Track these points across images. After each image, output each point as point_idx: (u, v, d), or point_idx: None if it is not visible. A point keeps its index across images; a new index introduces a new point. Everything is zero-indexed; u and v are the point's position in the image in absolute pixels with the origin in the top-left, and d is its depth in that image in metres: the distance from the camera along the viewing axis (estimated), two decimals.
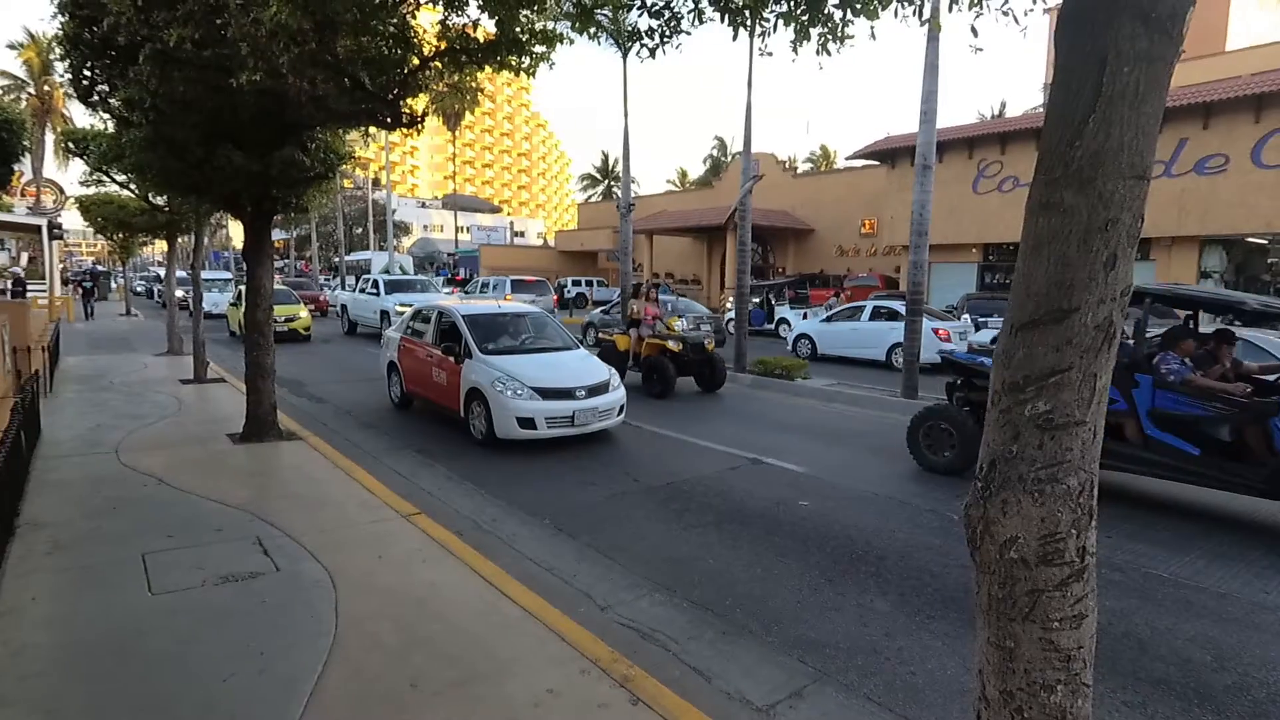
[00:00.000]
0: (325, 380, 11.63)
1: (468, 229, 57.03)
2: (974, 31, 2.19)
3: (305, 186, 7.08)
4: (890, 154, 26.70)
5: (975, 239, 25.11)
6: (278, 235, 55.70)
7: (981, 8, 2.29)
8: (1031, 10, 2.32)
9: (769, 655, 3.48)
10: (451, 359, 7.83)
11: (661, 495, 5.89)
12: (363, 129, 7.13)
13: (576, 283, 36.24)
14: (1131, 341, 5.78)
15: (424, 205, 68.56)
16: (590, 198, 60.85)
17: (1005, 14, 2.14)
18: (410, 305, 12.24)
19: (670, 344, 10.57)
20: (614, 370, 8.05)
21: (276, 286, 18.90)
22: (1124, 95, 1.32)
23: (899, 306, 14.02)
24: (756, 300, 22.27)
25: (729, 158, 49.19)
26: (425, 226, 62.35)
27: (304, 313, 17.55)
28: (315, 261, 41.29)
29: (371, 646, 3.29)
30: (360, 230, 48.16)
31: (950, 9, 2.40)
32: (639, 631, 3.63)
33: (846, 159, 38.56)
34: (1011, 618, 1.47)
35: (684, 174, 62.76)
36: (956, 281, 24.41)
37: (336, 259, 38.16)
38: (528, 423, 7.01)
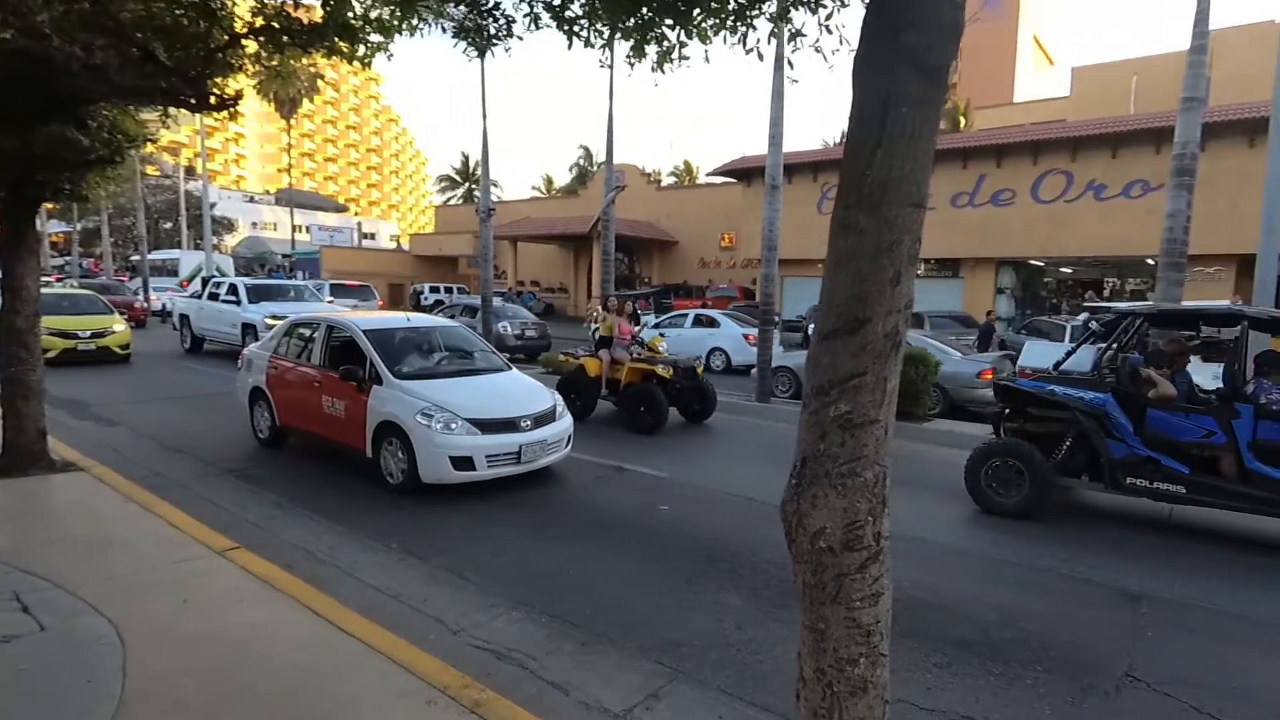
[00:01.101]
0: (123, 401, 10.31)
1: (307, 228, 53.11)
2: (790, 64, 2.44)
3: (83, 171, 6.05)
4: (746, 173, 28.38)
5: (821, 255, 27.07)
6: (58, 228, 48.45)
7: (796, 43, 2.57)
8: (839, 50, 2.62)
9: (628, 660, 3.56)
10: (352, 385, 6.45)
11: (524, 510, 5.82)
12: (161, 109, 6.33)
13: (435, 289, 34.85)
14: (1233, 369, 5.63)
15: (253, 200, 62.94)
16: (449, 200, 58.97)
17: (817, 50, 2.41)
18: (284, 316, 10.07)
19: (660, 369, 9.13)
20: (557, 394, 7.21)
21: (77, 290, 16.19)
22: (903, 132, 1.54)
23: (718, 315, 16.71)
24: None
25: (595, 167, 49.86)
26: (255, 224, 57.36)
27: (120, 325, 14.03)
28: (108, 260, 36.48)
29: (170, 709, 2.91)
30: (170, 225, 43.05)
31: (768, 42, 2.65)
32: (495, 652, 3.58)
33: (707, 175, 40.30)
34: (822, 601, 1.65)
35: (550, 181, 62.65)
36: (807, 294, 26.29)
37: (136, 257, 33.45)
38: (464, 463, 5.89)
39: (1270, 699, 3.37)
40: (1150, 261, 12.14)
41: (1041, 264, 25.22)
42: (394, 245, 62.37)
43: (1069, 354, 6.59)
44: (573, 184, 54.15)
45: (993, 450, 6.22)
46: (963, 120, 41.90)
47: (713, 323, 16.43)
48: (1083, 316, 14.92)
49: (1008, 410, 6.66)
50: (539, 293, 39.87)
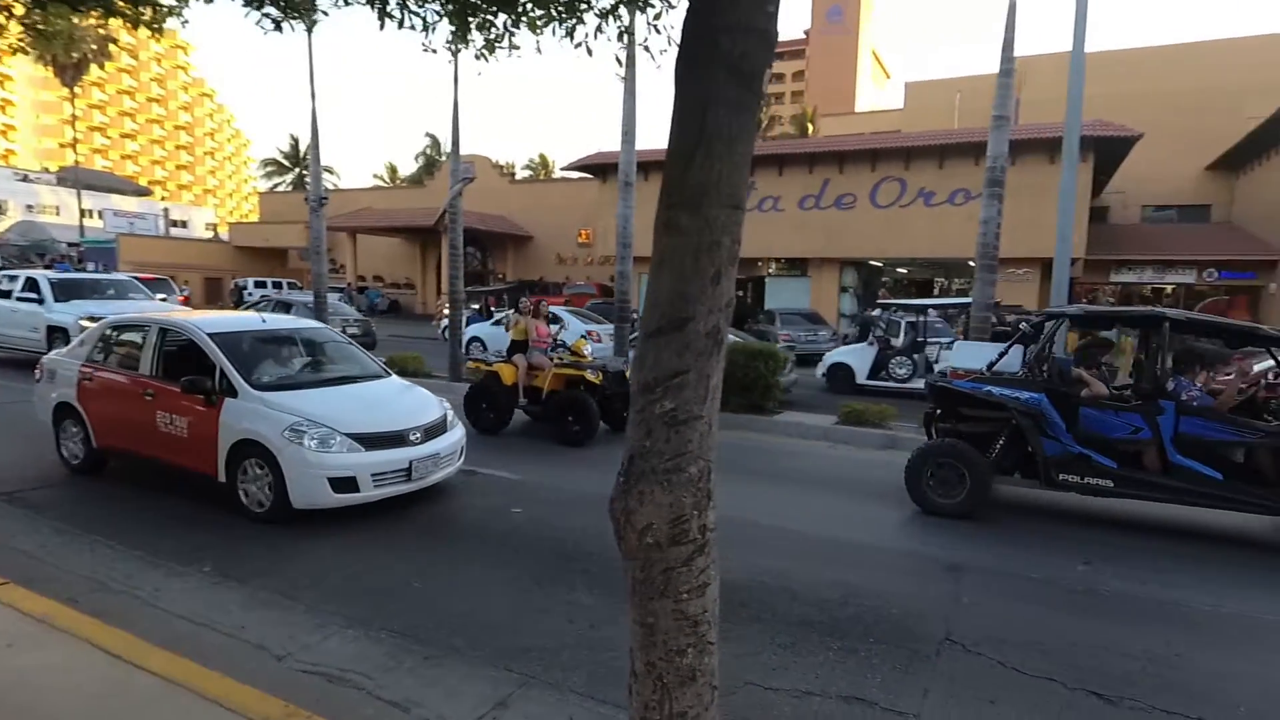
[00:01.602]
0: None
1: (99, 213, 46.92)
2: (618, 61, 2.52)
3: None
4: (602, 168, 28.64)
5: None
6: None
7: (623, 40, 2.66)
8: (666, 50, 2.75)
9: (475, 671, 3.50)
10: (198, 398, 5.64)
11: (361, 520, 5.52)
12: None
13: (261, 284, 32.01)
14: (1156, 368, 6.03)
15: (27, 179, 54.61)
16: (277, 186, 54.50)
17: (646, 50, 2.51)
18: (101, 318, 8.30)
19: (589, 374, 8.56)
20: (445, 403, 6.60)
21: None
22: (720, 135, 1.63)
23: (561, 311, 16.17)
24: (476, 306, 22.53)
25: (443, 156, 48.17)
26: (31, 206, 49.94)
27: None
28: None
29: None
30: None
31: (595, 37, 2.73)
32: (326, 675, 3.38)
33: (562, 169, 40.21)
34: (650, 596, 1.72)
35: (394, 170, 59.77)
36: None
37: None
38: (345, 484, 5.32)
39: (1063, 651, 3.88)
40: (971, 263, 13.78)
41: (880, 264, 27.65)
42: (211, 235, 56.72)
43: (1001, 355, 6.95)
44: (419, 174, 52.12)
45: (934, 452, 6.37)
46: (810, 127, 44.98)
47: (554, 319, 16.48)
48: (876, 312, 16.49)
49: (939, 410, 6.89)
50: (383, 289, 37.97)
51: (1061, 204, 9.47)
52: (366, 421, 5.66)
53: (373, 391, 6.37)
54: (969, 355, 8.78)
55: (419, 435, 5.83)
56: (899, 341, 14.14)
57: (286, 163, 55.60)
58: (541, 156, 60.96)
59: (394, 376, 6.91)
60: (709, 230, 1.64)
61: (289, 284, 32.95)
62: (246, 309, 18.85)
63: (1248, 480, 5.72)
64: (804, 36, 64.89)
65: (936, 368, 13.11)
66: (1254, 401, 6.29)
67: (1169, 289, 27.31)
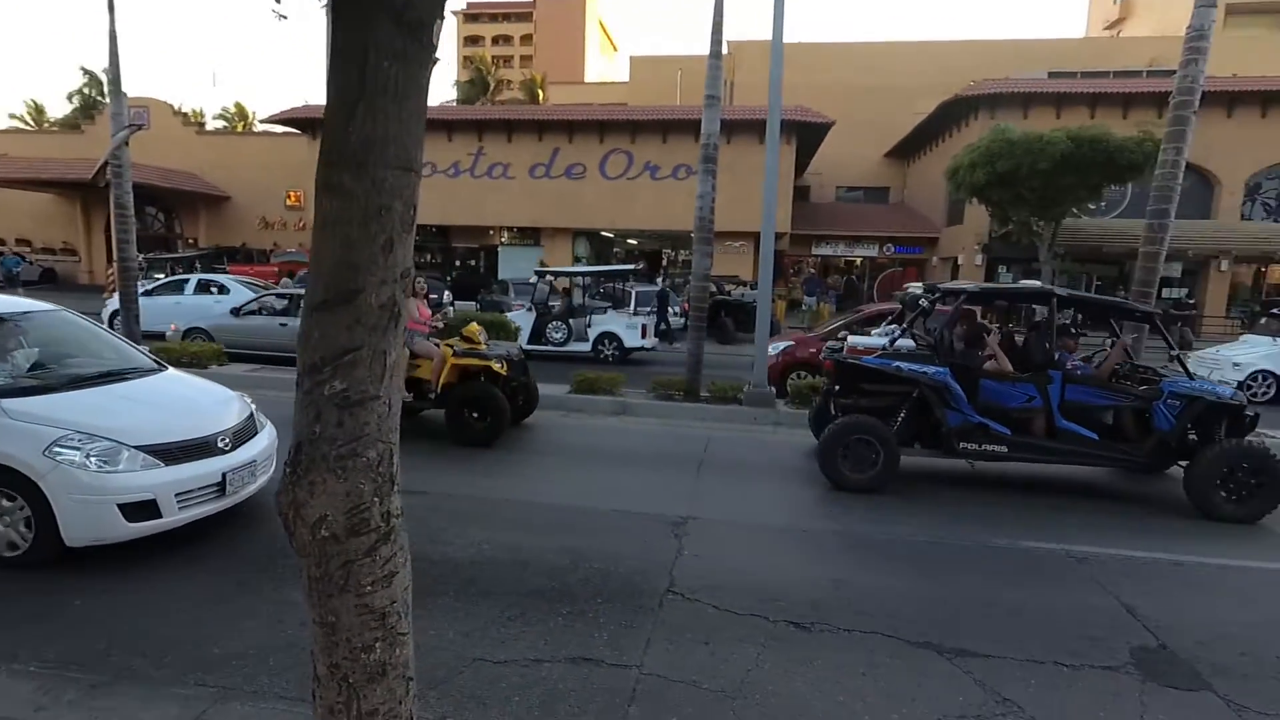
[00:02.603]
0: None
1: None
2: None
3: None
4: (311, 123, 26.04)
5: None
6: None
7: None
8: None
9: (159, 691, 3.10)
10: None
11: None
12: None
13: None
14: (1045, 341, 6.73)
15: None
16: None
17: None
18: None
19: (495, 364, 7.70)
20: (248, 399, 5.61)
21: None
22: (386, 89, 1.55)
23: (228, 281, 15.95)
24: (161, 277, 19.38)
25: (106, 97, 39.93)
26: None
27: None
28: None
29: None
30: None
31: None
32: None
33: (263, 121, 35.65)
34: (330, 593, 1.62)
35: (40, 109, 48.40)
36: None
37: None
38: (142, 509, 4.34)
39: (772, 588, 4.48)
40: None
41: (611, 234, 29.02)
42: None
43: (900, 334, 7.45)
44: (74, 117, 42.91)
45: (848, 428, 6.57)
46: (541, 94, 45.29)
47: (223, 289, 15.49)
48: (532, 279, 17.56)
49: (838, 387, 7.22)
50: (31, 254, 30.76)
51: (767, 182, 10.67)
52: (159, 429, 4.65)
53: (152, 389, 5.27)
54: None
55: (228, 441, 4.93)
56: (557, 307, 15.43)
57: None
58: (239, 106, 53.50)
59: (170, 369, 5.79)
60: (377, 193, 1.56)
61: None
62: None
63: (1115, 439, 6.69)
64: (532, 1, 64.81)
65: (592, 333, 14.70)
66: (1115, 370, 7.22)
67: (858, 261, 32.53)
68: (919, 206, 31.90)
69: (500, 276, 24.37)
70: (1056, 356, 6.80)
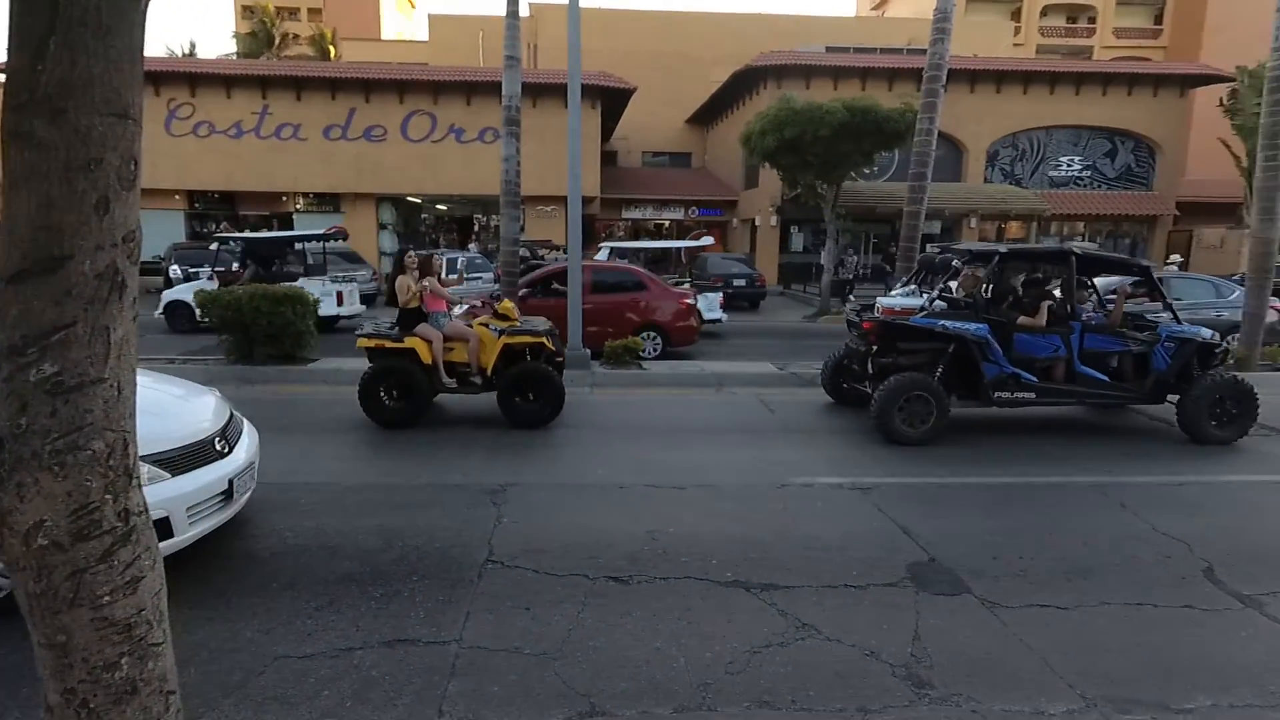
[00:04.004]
0: None
1: None
2: None
3: None
4: None
5: (176, 184, 24.10)
6: None
7: None
8: None
9: None
10: None
11: None
12: None
13: None
14: (1069, 295, 7.34)
15: None
16: None
17: None
18: None
19: (546, 340, 7.42)
20: (214, 389, 4.96)
21: None
22: (85, 22, 1.32)
23: None
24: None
25: None
26: None
27: None
28: None
29: None
30: None
31: None
32: None
33: None
34: (57, 610, 1.41)
35: None
36: (162, 230, 22.59)
37: None
38: (158, 530, 2.87)
39: (590, 547, 4.57)
40: None
41: (418, 200, 27.62)
42: None
43: (936, 296, 7.75)
44: None
45: (904, 386, 6.82)
46: (332, 50, 41.61)
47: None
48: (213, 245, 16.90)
49: (876, 347, 7.40)
50: None
51: (571, 145, 10.62)
52: (155, 433, 3.83)
53: None
54: (895, 298, 8.99)
55: (224, 442, 4.37)
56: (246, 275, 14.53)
57: None
58: None
59: None
60: (83, 144, 1.33)
61: None
62: None
63: (1118, 380, 7.46)
64: None
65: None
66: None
67: (666, 224, 33.54)
68: (719, 171, 33.48)
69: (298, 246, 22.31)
70: (1075, 310, 7.55)
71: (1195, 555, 4.62)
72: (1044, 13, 45.15)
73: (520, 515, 5.04)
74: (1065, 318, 7.45)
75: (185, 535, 3.94)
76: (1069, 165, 28.48)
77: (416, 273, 7.32)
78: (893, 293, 9.06)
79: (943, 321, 7.17)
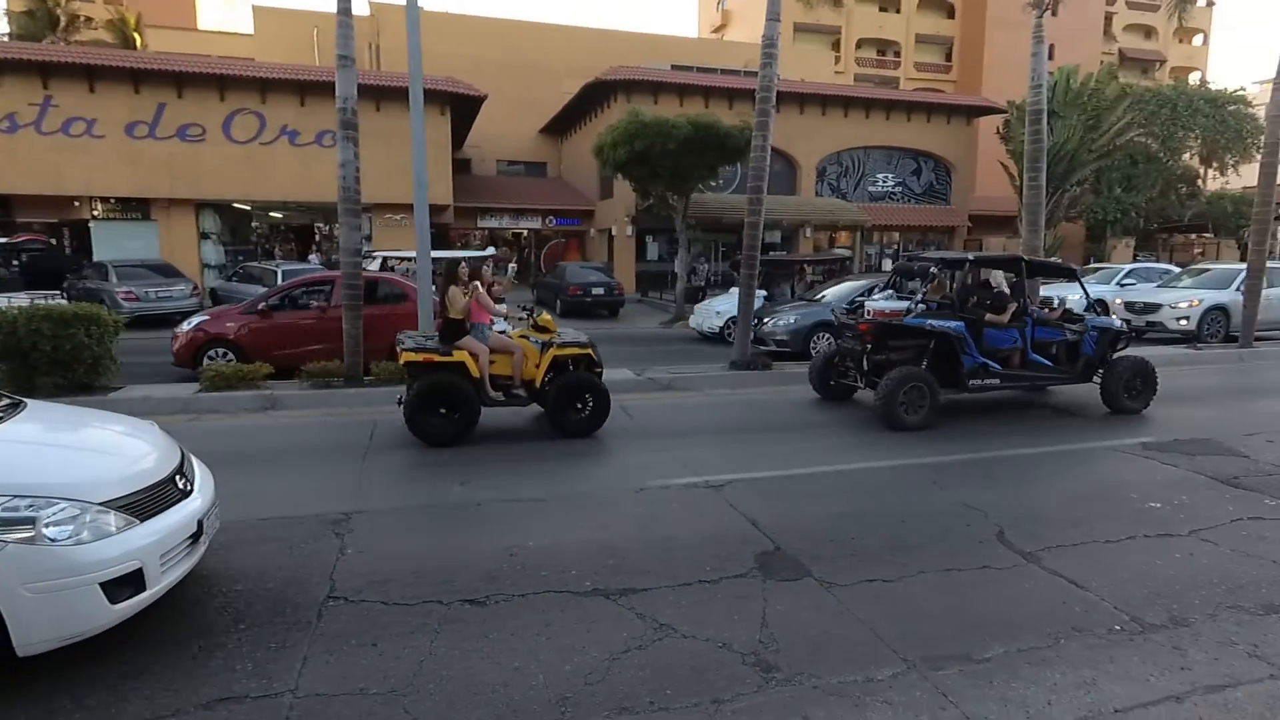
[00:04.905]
0: None
1: None
2: None
3: None
4: None
5: None
6: None
7: None
8: None
9: None
10: None
11: None
12: None
13: None
14: (1022, 295, 8.77)
15: None
16: None
17: None
18: None
19: (591, 350, 7.57)
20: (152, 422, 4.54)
21: None
22: None
23: None
24: None
25: None
26: None
27: None
28: None
29: None
30: None
31: None
32: None
33: None
34: None
35: None
36: None
37: None
38: (128, 584, 3.23)
39: (445, 570, 4.29)
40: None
41: (248, 207, 25.33)
42: None
43: (921, 299, 8.49)
44: None
45: (905, 378, 7.67)
46: (137, 38, 37.28)
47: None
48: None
49: (870, 345, 8.21)
50: None
51: (415, 151, 10.12)
52: (116, 475, 3.54)
53: (50, 427, 4.07)
54: (883, 302, 9.24)
55: (183, 478, 3.87)
56: None
57: None
58: None
59: (30, 401, 4.23)
60: None
61: None
62: None
63: (1055, 363, 8.75)
64: None
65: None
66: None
67: (524, 233, 33.04)
68: (575, 181, 33.50)
69: (96, 258, 19.56)
70: (1027, 306, 8.83)
71: (990, 521, 5.17)
72: (859, 45, 49.24)
73: (367, 544, 4.67)
74: (1020, 313, 8.66)
75: (158, 587, 3.43)
76: (884, 181, 31.19)
77: (465, 283, 7.21)
78: (874, 297, 9.92)
79: (930, 321, 8.12)
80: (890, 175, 31.20)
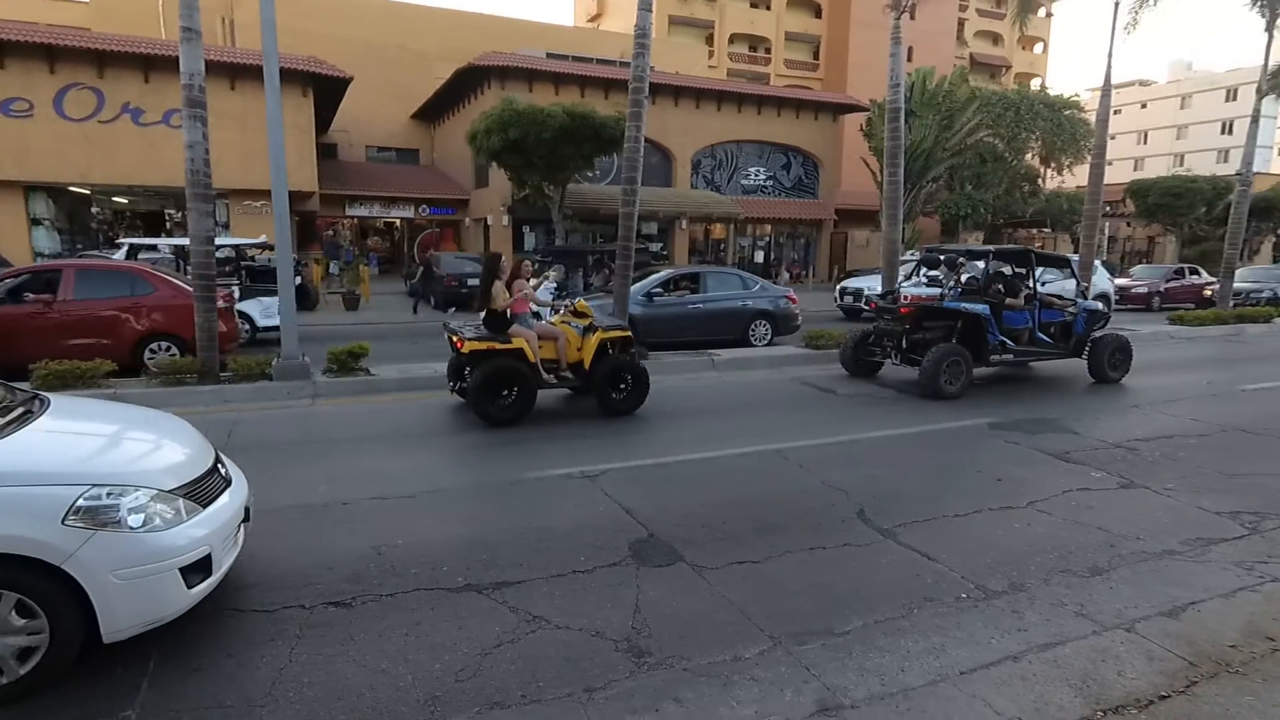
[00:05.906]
0: None
1: None
2: None
3: None
4: None
5: None
6: None
7: None
8: None
9: None
10: None
11: None
12: None
13: None
14: (1032, 283, 10.08)
15: None
16: None
17: None
18: None
19: (627, 333, 8.16)
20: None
21: None
22: None
23: None
24: None
25: None
26: None
27: None
28: None
29: None
30: None
31: None
32: None
33: None
34: None
35: None
36: None
37: None
38: (200, 568, 3.24)
39: (312, 573, 4.06)
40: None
41: (87, 191, 22.75)
42: None
43: (954, 285, 10.02)
44: None
45: (947, 353, 8.80)
46: None
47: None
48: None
49: (909, 325, 9.34)
50: None
51: (270, 133, 9.42)
52: (178, 464, 3.50)
53: (94, 418, 3.97)
54: (916, 287, 11.21)
55: (222, 466, 3.86)
56: None
57: None
58: None
59: (55, 396, 3.97)
60: None
61: None
62: None
63: (1053, 340, 10.02)
64: None
65: None
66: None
67: (396, 222, 31.59)
68: (449, 169, 32.39)
69: None
70: (1036, 291, 10.05)
71: (851, 501, 5.45)
72: (732, 40, 50.46)
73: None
74: (1031, 297, 9.93)
75: (221, 571, 3.45)
76: (756, 175, 32.25)
77: (512, 275, 7.63)
78: (906, 284, 11.51)
79: (963, 304, 9.30)
80: (762, 169, 32.28)
